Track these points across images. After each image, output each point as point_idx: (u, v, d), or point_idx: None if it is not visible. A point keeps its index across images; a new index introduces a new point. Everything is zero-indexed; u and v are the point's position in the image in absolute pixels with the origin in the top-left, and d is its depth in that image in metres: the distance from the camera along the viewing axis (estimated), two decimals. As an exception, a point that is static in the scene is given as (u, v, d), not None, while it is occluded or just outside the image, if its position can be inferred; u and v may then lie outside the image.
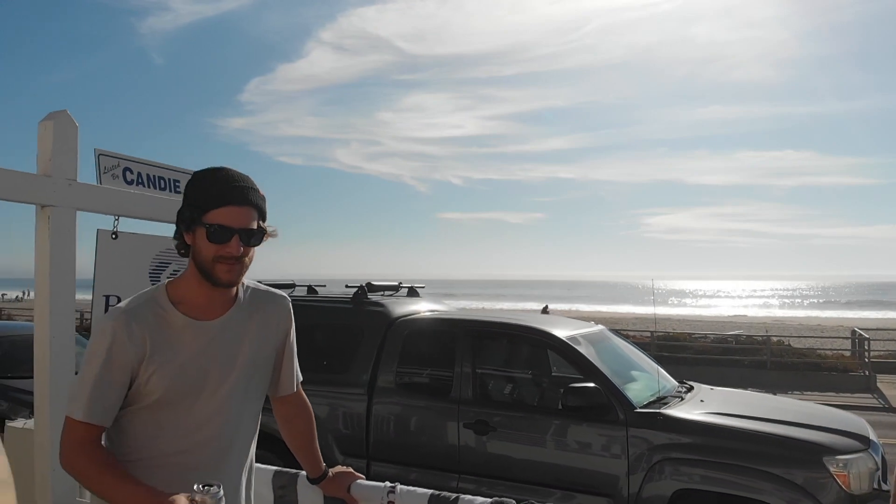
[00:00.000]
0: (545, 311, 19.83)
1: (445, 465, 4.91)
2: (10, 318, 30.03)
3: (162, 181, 2.87)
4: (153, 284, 2.78)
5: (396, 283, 6.50)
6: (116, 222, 2.63)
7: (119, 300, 2.66)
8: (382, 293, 6.15)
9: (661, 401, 4.89)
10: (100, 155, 2.63)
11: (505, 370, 5.86)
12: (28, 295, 70.85)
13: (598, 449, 4.59)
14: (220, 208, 1.71)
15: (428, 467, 4.95)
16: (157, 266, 2.81)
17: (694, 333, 21.62)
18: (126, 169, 2.71)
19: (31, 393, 7.55)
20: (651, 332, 19.13)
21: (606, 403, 4.55)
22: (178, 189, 2.95)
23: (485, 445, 4.86)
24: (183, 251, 1.81)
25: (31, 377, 7.68)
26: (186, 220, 1.75)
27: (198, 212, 1.72)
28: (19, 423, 3.41)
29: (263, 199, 1.82)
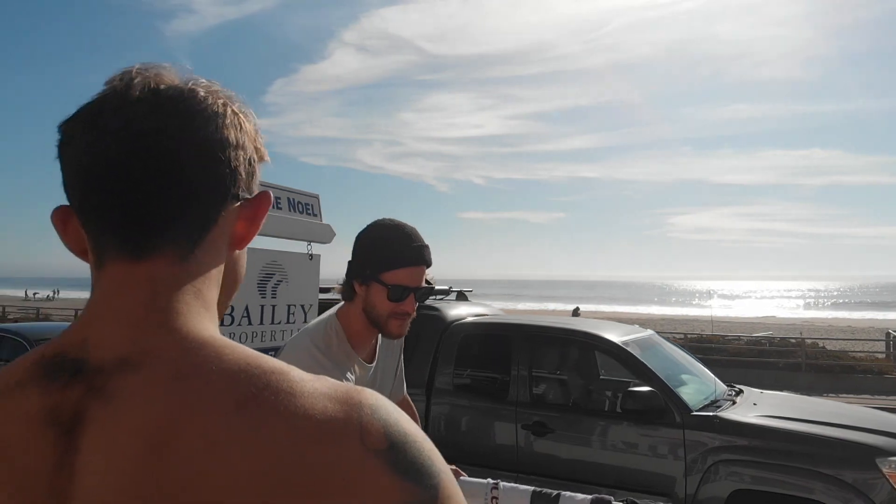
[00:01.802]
0: (576, 312, 19.95)
1: (503, 465, 5.10)
2: (46, 318, 30.73)
3: (266, 199, 3.10)
4: (261, 294, 3.03)
5: (447, 288, 6.71)
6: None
7: (233, 309, 2.89)
8: (434, 297, 6.36)
9: (715, 404, 5.05)
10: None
11: (558, 373, 6.05)
12: (58, 294, 72.17)
13: (656, 451, 4.76)
14: (400, 269, 1.78)
15: (486, 466, 5.14)
16: (263, 277, 3.03)
17: (726, 335, 21.61)
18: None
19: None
20: (684, 333, 19.17)
21: (664, 407, 4.72)
22: (279, 206, 3.18)
23: (543, 446, 5.06)
24: (347, 296, 1.87)
25: None
26: (363, 275, 1.81)
27: (376, 269, 1.78)
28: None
29: (430, 251, 1.88)
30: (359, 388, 0.65)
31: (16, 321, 26.85)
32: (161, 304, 0.66)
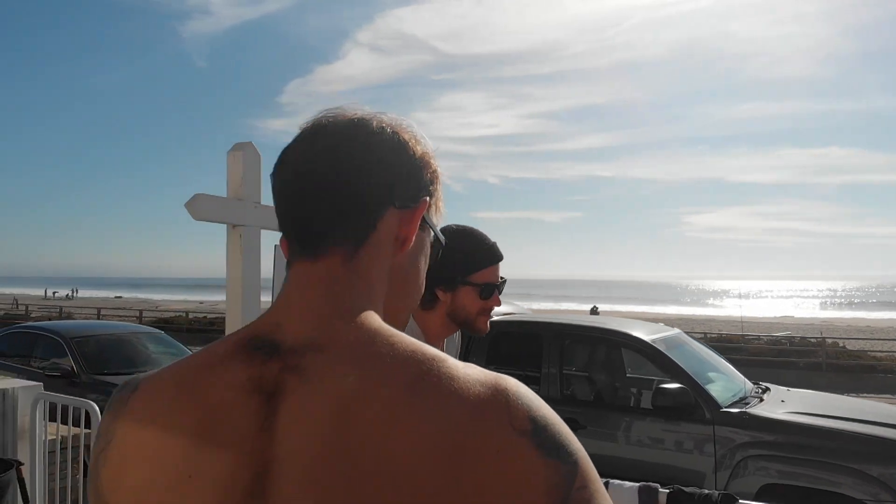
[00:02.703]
0: (594, 312, 20.00)
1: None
2: (69, 316, 31.13)
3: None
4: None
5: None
6: (287, 238, 3.00)
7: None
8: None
9: (743, 401, 5.15)
10: (274, 179, 3.00)
11: (588, 371, 6.16)
12: (76, 293, 72.97)
13: (686, 446, 4.87)
14: (486, 268, 1.93)
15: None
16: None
17: (747, 335, 21.61)
18: (293, 191, 3.08)
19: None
20: (703, 333, 19.20)
21: (693, 403, 4.82)
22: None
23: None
24: (427, 305, 1.95)
25: (123, 374, 8.25)
26: (448, 281, 1.91)
27: (464, 273, 1.91)
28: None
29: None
30: (503, 375, 0.75)
31: (39, 319, 27.23)
32: (335, 297, 0.79)
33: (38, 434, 4.50)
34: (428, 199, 0.87)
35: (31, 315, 33.54)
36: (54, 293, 70.41)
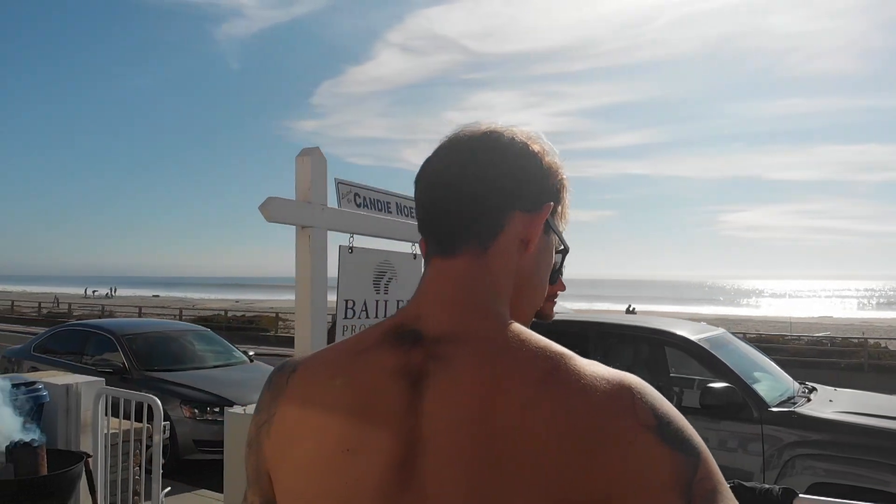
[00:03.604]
0: (630, 311, 19.91)
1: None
2: (111, 314, 31.79)
3: (379, 203, 3.34)
4: (376, 290, 3.27)
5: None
6: (351, 239, 3.11)
7: (354, 303, 3.14)
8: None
9: (791, 400, 5.15)
10: (338, 183, 3.11)
11: (632, 370, 6.18)
12: (115, 292, 74.29)
13: (734, 446, 4.89)
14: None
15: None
16: (377, 275, 3.27)
17: (786, 335, 21.36)
18: (356, 194, 3.19)
19: (175, 383, 8.23)
20: (743, 333, 19.00)
21: (741, 402, 4.84)
22: (389, 209, 3.42)
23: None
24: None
25: (172, 370, 8.40)
26: None
27: None
28: (238, 409, 3.95)
29: None
30: (627, 373, 0.81)
31: (82, 317, 27.85)
32: (468, 292, 0.88)
33: (100, 428, 4.67)
34: (552, 203, 0.93)
35: (74, 313, 34.32)
36: (94, 292, 71.78)
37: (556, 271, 1.03)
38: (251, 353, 9.71)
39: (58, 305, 41.04)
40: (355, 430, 0.82)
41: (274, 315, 28.72)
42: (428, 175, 0.95)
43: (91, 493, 4.08)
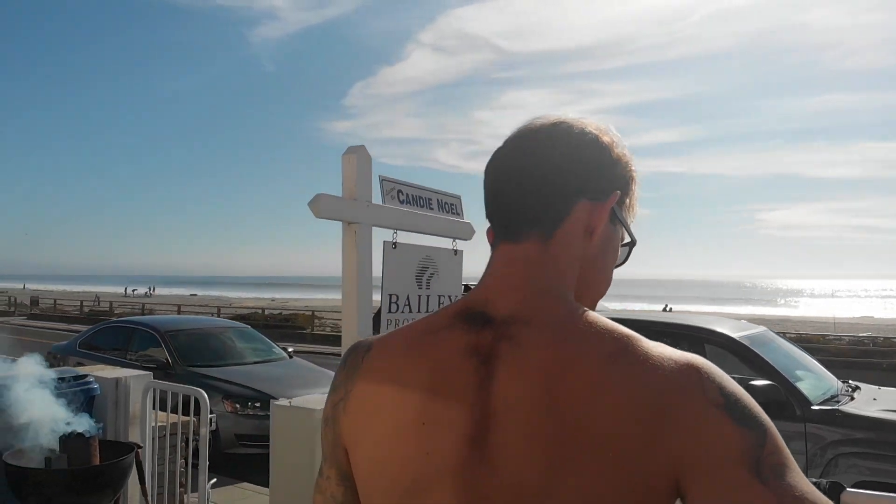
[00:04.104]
0: (666, 311, 19.72)
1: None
2: (151, 312, 32.37)
3: (421, 200, 3.39)
4: (418, 285, 3.32)
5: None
6: (395, 235, 3.16)
7: (397, 297, 3.19)
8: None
9: (834, 398, 5.09)
10: (382, 180, 3.16)
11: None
12: (154, 291, 75.58)
13: (776, 443, 4.85)
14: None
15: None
16: (419, 270, 3.32)
17: (827, 335, 21.02)
18: (399, 191, 3.24)
19: (217, 379, 8.33)
20: (782, 333, 18.71)
21: (784, 400, 4.80)
22: (430, 206, 3.46)
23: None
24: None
25: (214, 366, 8.50)
26: None
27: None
28: (284, 401, 4.02)
29: None
30: (693, 354, 0.83)
31: (123, 315, 28.44)
32: (533, 277, 0.91)
33: (148, 420, 4.79)
34: (618, 193, 0.94)
35: (115, 311, 35.04)
36: (133, 291, 73.10)
37: (622, 263, 1.05)
38: (290, 349, 9.85)
39: (99, 304, 41.92)
40: (430, 405, 0.86)
41: (310, 313, 29.06)
42: (497, 163, 0.97)
43: (141, 483, 4.19)
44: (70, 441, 3.60)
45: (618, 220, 0.97)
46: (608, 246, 0.97)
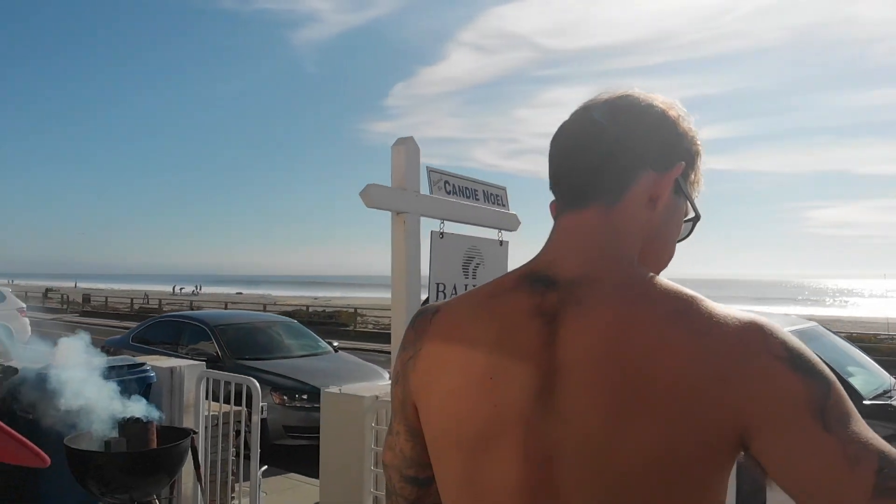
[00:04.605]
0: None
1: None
2: (199, 308, 33.01)
3: (467, 191, 3.44)
4: (465, 275, 3.37)
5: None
6: (442, 225, 3.21)
7: (444, 286, 3.25)
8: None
9: (886, 394, 5.00)
10: (430, 171, 3.22)
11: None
12: (200, 289, 76.93)
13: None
14: None
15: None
16: (466, 260, 3.37)
17: (879, 334, 20.56)
18: (446, 182, 3.29)
19: (265, 371, 8.48)
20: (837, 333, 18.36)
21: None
22: (476, 197, 3.51)
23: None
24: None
25: (261, 359, 8.62)
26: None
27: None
28: (334, 388, 4.12)
29: None
30: (757, 314, 0.86)
31: (171, 312, 29.05)
32: (597, 242, 0.94)
33: (201, 409, 4.93)
34: (683, 164, 0.96)
35: (164, 308, 35.84)
36: (181, 289, 74.48)
37: (685, 237, 1.07)
38: (335, 343, 9.99)
39: (147, 301, 42.92)
40: (497, 361, 0.90)
41: (352, 310, 29.38)
42: (563, 134, 1.00)
43: (195, 468, 4.31)
44: (128, 426, 3.72)
45: (682, 192, 0.99)
46: (671, 217, 1.00)
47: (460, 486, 0.93)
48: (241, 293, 74.74)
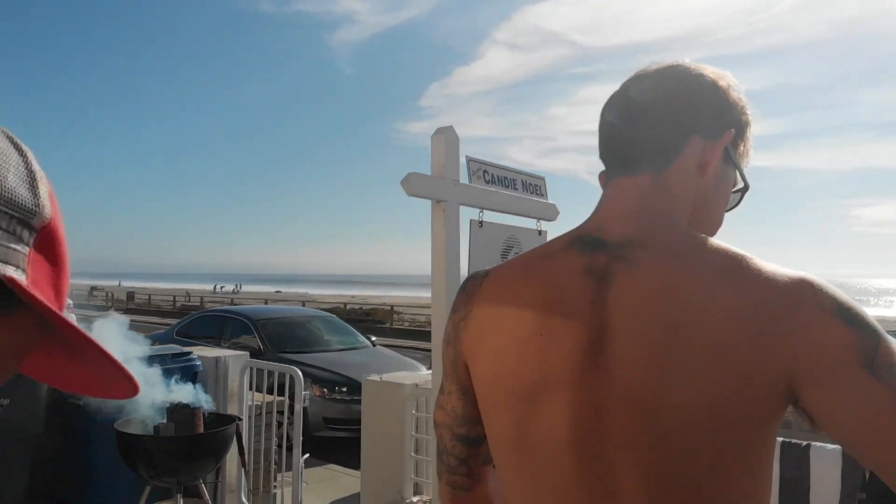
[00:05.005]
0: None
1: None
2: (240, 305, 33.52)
3: (506, 180, 3.47)
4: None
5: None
6: (481, 214, 3.25)
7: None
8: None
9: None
10: (469, 161, 3.26)
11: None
12: (240, 287, 77.92)
13: None
14: None
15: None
16: (504, 249, 3.41)
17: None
18: (485, 171, 3.33)
19: (304, 364, 8.57)
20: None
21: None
22: (515, 186, 3.54)
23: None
24: None
25: (302, 352, 8.72)
26: None
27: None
28: (375, 376, 4.20)
29: None
30: (805, 271, 0.85)
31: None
32: (646, 206, 0.96)
33: (245, 398, 5.04)
34: (733, 132, 0.98)
35: (205, 306, 36.47)
36: (221, 287, 75.53)
37: (734, 207, 1.06)
38: (373, 338, 10.10)
39: (189, 300, 43.72)
40: (547, 319, 0.92)
41: (389, 308, 29.61)
42: (614, 102, 1.02)
43: (240, 455, 4.42)
44: (176, 411, 3.83)
45: (731, 161, 1.00)
46: (720, 186, 1.01)
47: (511, 440, 0.95)
48: (279, 291, 75.51)
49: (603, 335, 0.88)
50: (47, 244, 0.51)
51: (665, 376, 0.83)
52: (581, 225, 1.00)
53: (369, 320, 27.90)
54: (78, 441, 4.13)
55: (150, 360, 4.14)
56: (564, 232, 1.02)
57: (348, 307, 31.98)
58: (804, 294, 0.82)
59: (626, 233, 0.94)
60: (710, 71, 1.00)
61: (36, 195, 0.49)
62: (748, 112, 1.01)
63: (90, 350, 0.53)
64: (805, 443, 2.51)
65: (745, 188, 1.05)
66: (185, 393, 4.05)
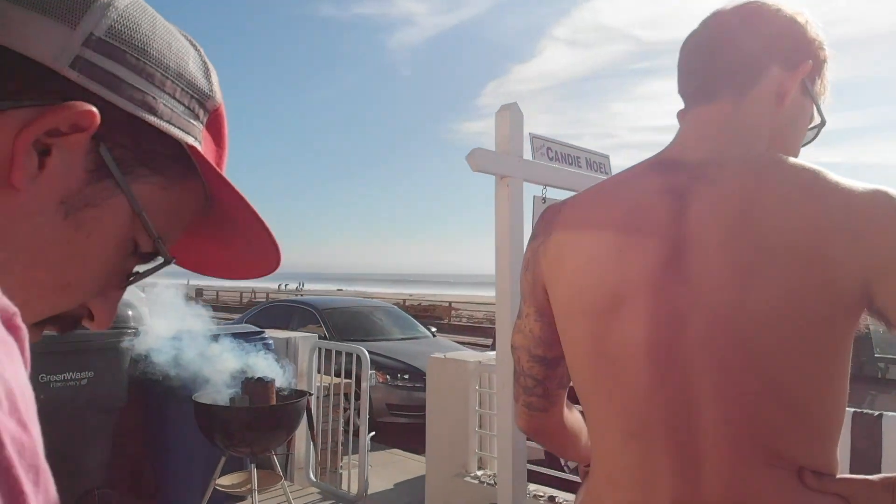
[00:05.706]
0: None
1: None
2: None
3: (570, 158, 3.51)
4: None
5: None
6: (544, 191, 3.31)
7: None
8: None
9: None
10: (533, 138, 3.32)
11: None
12: (303, 286, 79.13)
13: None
14: None
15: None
16: (568, 227, 3.45)
17: None
18: (548, 148, 3.38)
19: (370, 352, 8.68)
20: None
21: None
22: (578, 164, 3.58)
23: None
24: None
25: (366, 340, 8.83)
26: None
27: None
28: (439, 355, 4.30)
29: None
30: (884, 186, 0.89)
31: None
32: (725, 131, 0.99)
33: (314, 378, 5.20)
34: (810, 63, 1.00)
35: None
36: (286, 286, 76.90)
37: (810, 142, 1.07)
38: (433, 329, 10.24)
39: (255, 296, 44.77)
40: (626, 236, 0.95)
41: (447, 304, 29.84)
42: (692, 37, 1.05)
43: (310, 429, 4.58)
44: (251, 384, 4.00)
45: (808, 94, 1.03)
46: (797, 118, 1.03)
47: (589, 348, 0.98)
48: (341, 290, 76.49)
49: (683, 247, 0.91)
50: (215, 126, 0.58)
51: (741, 282, 0.86)
52: (659, 152, 1.04)
53: (428, 316, 28.12)
54: (157, 414, 4.34)
55: (227, 337, 4.34)
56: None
57: (407, 303, 32.31)
58: (881, 201, 0.86)
59: (706, 154, 0.97)
60: (789, 8, 1.03)
61: (210, 82, 0.57)
62: (826, 49, 1.03)
63: (244, 218, 0.57)
64: (877, 412, 2.49)
65: (822, 124, 1.07)
66: (259, 367, 4.23)
